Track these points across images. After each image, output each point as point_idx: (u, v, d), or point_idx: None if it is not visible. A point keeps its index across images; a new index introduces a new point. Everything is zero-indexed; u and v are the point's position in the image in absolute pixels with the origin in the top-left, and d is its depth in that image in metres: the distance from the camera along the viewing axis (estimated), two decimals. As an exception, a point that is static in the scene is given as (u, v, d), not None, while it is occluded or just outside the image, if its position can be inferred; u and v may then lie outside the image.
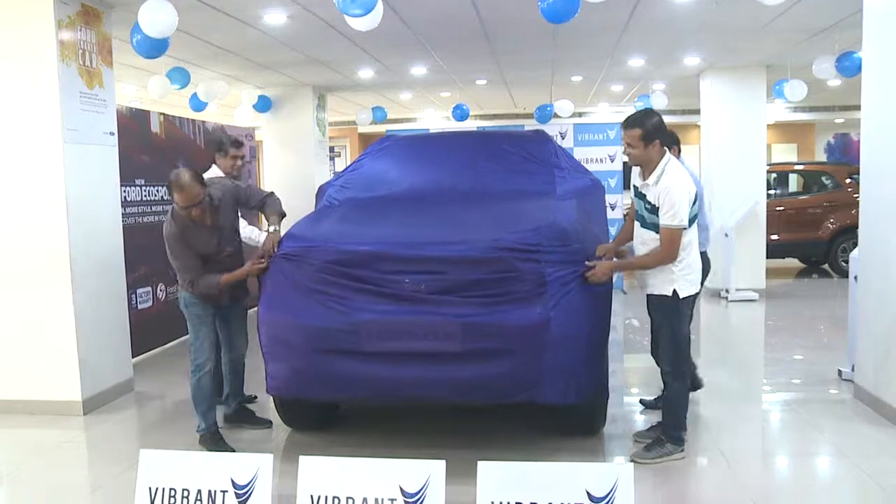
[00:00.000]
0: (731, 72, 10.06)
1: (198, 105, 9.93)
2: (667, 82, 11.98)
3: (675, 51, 9.07)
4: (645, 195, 4.27)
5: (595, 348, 4.23)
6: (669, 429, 4.39)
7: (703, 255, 4.75)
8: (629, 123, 4.23)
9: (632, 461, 4.21)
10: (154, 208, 7.32)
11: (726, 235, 9.82)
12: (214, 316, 4.72)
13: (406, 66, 9.85)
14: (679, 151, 5.11)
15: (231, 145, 5.55)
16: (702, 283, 4.56)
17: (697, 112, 11.29)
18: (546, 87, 12.35)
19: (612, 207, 9.10)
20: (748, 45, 8.54)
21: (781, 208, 11.74)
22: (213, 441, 4.68)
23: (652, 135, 4.16)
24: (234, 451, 4.53)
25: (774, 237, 11.02)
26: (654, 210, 4.18)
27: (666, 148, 4.28)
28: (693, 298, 4.34)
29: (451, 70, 10.31)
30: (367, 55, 8.80)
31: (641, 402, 5.46)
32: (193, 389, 4.67)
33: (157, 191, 7.37)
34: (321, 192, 5.57)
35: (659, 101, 11.68)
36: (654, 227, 4.22)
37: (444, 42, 8.28)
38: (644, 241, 4.34)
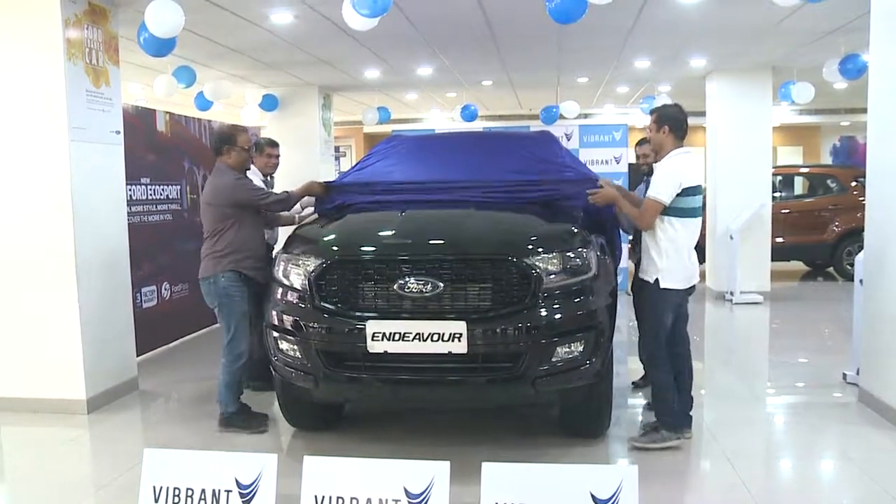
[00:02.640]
0: (737, 74, 10.05)
1: (204, 104, 9.94)
2: (673, 84, 11.96)
3: (681, 53, 9.06)
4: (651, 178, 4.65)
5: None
6: (661, 416, 4.58)
7: None
8: (652, 110, 4.71)
9: (630, 446, 4.53)
10: (160, 207, 7.34)
11: (731, 238, 9.80)
12: (248, 302, 4.90)
13: (412, 66, 9.85)
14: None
15: (267, 145, 5.96)
16: None
17: (703, 114, 11.26)
18: (552, 88, 12.35)
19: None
20: (754, 47, 8.52)
21: (787, 211, 11.71)
22: (246, 416, 5.01)
23: (663, 120, 4.52)
24: (266, 419, 5.02)
25: (779, 240, 11.00)
26: None
27: (680, 144, 4.53)
28: (678, 294, 4.51)
29: (457, 71, 10.31)
30: (373, 55, 8.80)
31: (633, 384, 5.81)
32: (230, 376, 4.89)
33: (163, 189, 7.38)
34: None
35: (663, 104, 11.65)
36: None
37: (450, 43, 8.28)
38: (654, 226, 4.50)
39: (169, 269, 7.48)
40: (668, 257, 4.42)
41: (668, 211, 4.41)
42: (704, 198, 4.82)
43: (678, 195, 4.38)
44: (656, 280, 4.46)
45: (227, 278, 4.83)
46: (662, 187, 4.36)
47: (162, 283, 7.39)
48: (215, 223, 4.89)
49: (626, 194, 5.05)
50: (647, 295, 4.57)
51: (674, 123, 4.50)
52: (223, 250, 4.85)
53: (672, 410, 4.57)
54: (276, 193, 5.03)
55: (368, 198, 5.11)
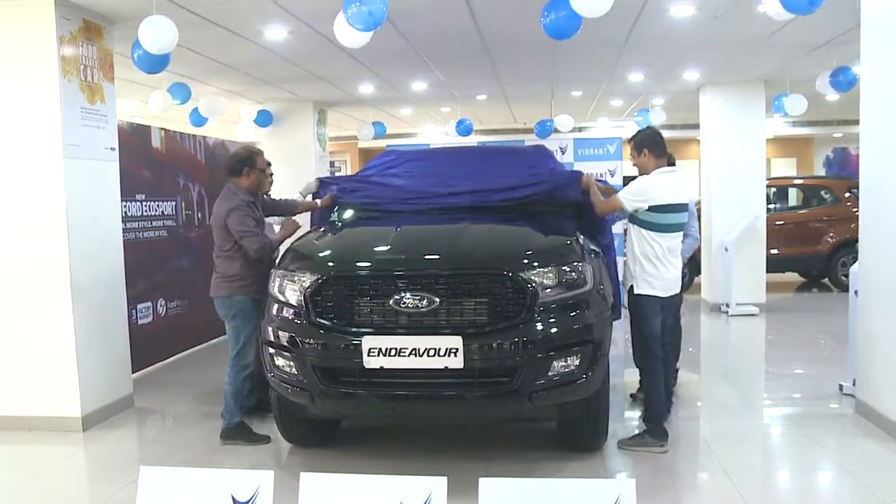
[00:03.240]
0: (730, 86, 10.10)
1: (198, 120, 9.96)
2: (666, 97, 12.02)
3: (674, 66, 9.12)
4: None
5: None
6: (648, 422, 4.78)
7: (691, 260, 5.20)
8: (629, 139, 5.05)
9: (618, 445, 4.75)
10: (155, 223, 7.33)
11: (726, 250, 9.83)
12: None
13: (406, 81, 9.89)
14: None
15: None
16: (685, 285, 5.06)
17: (697, 126, 11.31)
18: (546, 102, 12.38)
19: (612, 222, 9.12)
20: (747, 60, 8.57)
21: (781, 222, 11.75)
22: (244, 432, 5.10)
23: (640, 145, 4.85)
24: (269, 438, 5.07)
25: (774, 251, 11.02)
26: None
27: (662, 161, 4.84)
28: (657, 300, 4.74)
29: (451, 85, 10.35)
30: (368, 70, 8.83)
31: (631, 395, 5.83)
32: (235, 386, 5.02)
33: (158, 206, 7.38)
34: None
35: (657, 117, 11.72)
36: (633, 219, 4.76)
37: (444, 58, 8.31)
38: (630, 237, 4.87)
39: (164, 285, 7.47)
40: (642, 267, 4.73)
41: (643, 224, 4.72)
42: (699, 211, 4.93)
43: (652, 210, 4.67)
44: (632, 287, 4.81)
45: (241, 296, 5.03)
46: (628, 194, 4.74)
47: (157, 300, 7.38)
48: (221, 241, 5.08)
49: (602, 188, 5.30)
50: (630, 302, 4.89)
51: (651, 145, 4.83)
52: (233, 277, 5.03)
53: (659, 418, 4.79)
54: (260, 237, 5.03)
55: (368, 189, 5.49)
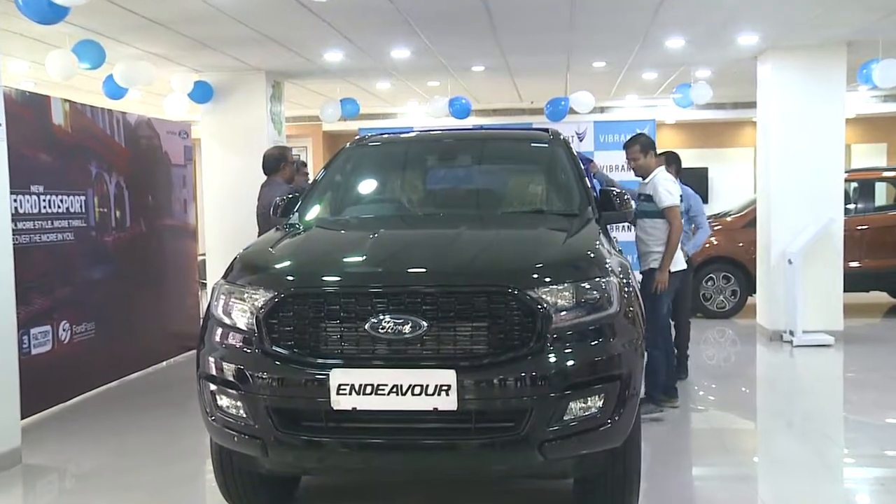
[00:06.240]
0: (798, 53, 10.09)
1: (115, 91, 9.87)
2: (714, 68, 12.07)
3: (725, 27, 9.12)
4: (643, 192, 6.93)
5: None
6: (648, 390, 6.44)
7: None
8: (628, 144, 7.17)
9: None
10: (57, 223, 7.25)
11: (790, 262, 9.83)
12: None
13: (384, 47, 9.94)
14: (678, 172, 7.82)
15: (302, 165, 8.80)
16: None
17: (753, 105, 11.34)
18: (560, 75, 12.46)
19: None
20: (823, 16, 8.52)
21: (865, 227, 11.78)
22: None
23: (647, 147, 7.02)
24: None
25: (855, 264, 11.05)
26: (649, 198, 6.83)
27: (661, 162, 7.06)
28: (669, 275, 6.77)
29: (441, 54, 10.40)
30: (336, 33, 8.85)
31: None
32: None
33: (62, 201, 7.30)
34: None
35: (701, 93, 11.73)
36: (645, 213, 6.85)
37: (432, 19, 8.35)
38: (643, 229, 6.93)
39: (69, 303, 7.40)
40: (653, 247, 6.80)
41: (653, 214, 6.78)
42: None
43: (653, 200, 6.81)
44: (650, 269, 6.75)
45: None
46: (674, 196, 6.80)
47: (59, 323, 7.30)
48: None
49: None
50: (644, 282, 6.71)
51: (653, 148, 7.05)
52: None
53: (659, 387, 6.80)
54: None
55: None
